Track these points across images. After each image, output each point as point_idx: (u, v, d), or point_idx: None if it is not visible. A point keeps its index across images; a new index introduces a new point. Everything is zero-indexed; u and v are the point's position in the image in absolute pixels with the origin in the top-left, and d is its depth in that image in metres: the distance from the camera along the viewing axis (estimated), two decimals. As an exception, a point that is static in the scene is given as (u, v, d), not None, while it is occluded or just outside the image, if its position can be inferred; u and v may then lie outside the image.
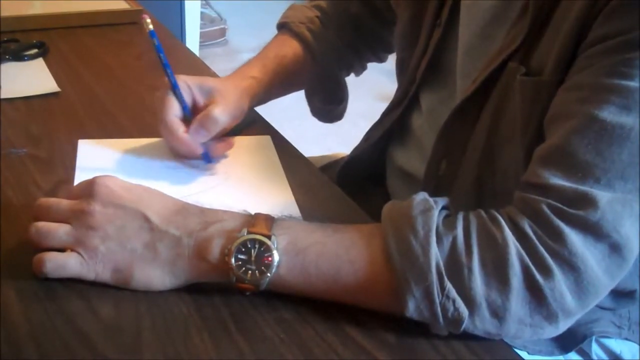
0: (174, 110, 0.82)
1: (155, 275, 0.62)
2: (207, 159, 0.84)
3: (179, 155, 0.85)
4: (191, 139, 0.82)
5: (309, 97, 1.11)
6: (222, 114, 0.83)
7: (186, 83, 0.84)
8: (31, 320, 0.58)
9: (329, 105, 1.10)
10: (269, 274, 0.60)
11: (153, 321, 0.59)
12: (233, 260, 0.60)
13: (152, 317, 0.60)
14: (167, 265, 0.62)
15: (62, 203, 0.64)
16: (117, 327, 0.58)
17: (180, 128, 0.82)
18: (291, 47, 1.02)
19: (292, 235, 0.62)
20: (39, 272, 0.62)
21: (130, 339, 0.57)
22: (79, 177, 0.78)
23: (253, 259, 0.60)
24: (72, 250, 0.62)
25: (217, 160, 0.85)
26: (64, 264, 0.61)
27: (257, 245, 0.61)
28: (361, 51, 1.08)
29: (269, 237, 0.61)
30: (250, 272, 0.61)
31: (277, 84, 0.98)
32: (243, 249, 0.61)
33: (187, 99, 0.84)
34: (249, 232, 0.61)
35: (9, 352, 0.55)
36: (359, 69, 1.12)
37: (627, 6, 0.60)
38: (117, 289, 0.62)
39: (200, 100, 0.85)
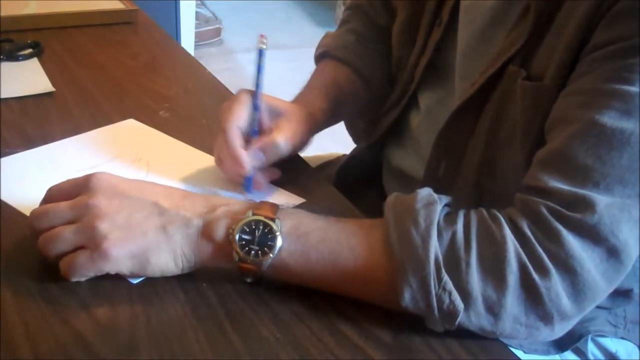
0: (239, 122, 0.77)
1: (170, 258, 0.62)
2: (248, 187, 0.78)
3: (223, 171, 0.79)
4: (245, 160, 0.75)
5: (355, 123, 1.05)
6: (286, 143, 0.78)
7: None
8: (27, 321, 0.58)
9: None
10: (271, 255, 0.61)
11: (148, 321, 0.59)
12: (237, 238, 0.61)
13: (148, 317, 0.60)
14: (179, 247, 0.62)
15: (59, 206, 0.62)
16: (113, 327, 0.58)
17: (238, 141, 0.76)
18: (343, 74, 0.97)
19: (296, 220, 0.63)
20: (68, 279, 0.61)
21: (126, 339, 0.57)
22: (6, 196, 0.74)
23: (256, 239, 0.61)
24: (83, 247, 0.61)
25: (254, 193, 0.78)
26: (76, 262, 0.60)
27: (261, 227, 0.62)
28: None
29: (273, 220, 0.62)
30: (253, 252, 0.61)
31: (337, 112, 0.93)
32: (247, 230, 0.62)
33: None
34: (254, 214, 0.62)
35: (5, 353, 0.55)
36: None
37: (630, 12, 0.60)
38: (113, 290, 0.62)
39: (266, 121, 0.81)
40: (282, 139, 0.78)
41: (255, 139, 0.78)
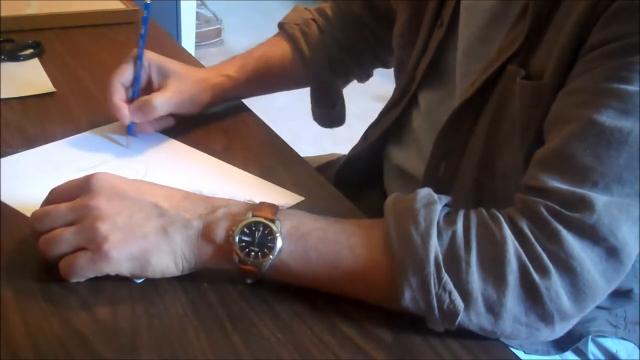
0: (121, 78, 0.85)
1: (170, 260, 0.62)
2: (130, 131, 0.86)
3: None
4: (123, 110, 0.83)
5: (311, 101, 1.11)
6: (163, 103, 0.85)
7: (147, 59, 0.86)
8: (27, 321, 0.58)
9: (322, 108, 1.11)
10: (271, 256, 0.61)
11: (150, 321, 0.59)
12: (237, 240, 0.61)
13: (149, 317, 0.60)
14: (179, 248, 0.62)
15: (60, 207, 0.62)
16: (114, 327, 0.58)
17: (117, 94, 0.84)
18: (281, 48, 1.03)
19: (296, 221, 0.63)
20: (67, 280, 0.62)
21: (127, 339, 0.57)
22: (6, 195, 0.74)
23: (257, 240, 0.61)
24: (83, 249, 0.60)
25: (137, 136, 0.87)
26: (76, 263, 0.60)
27: (261, 228, 0.62)
28: (362, 54, 1.08)
29: (272, 221, 0.62)
30: (253, 253, 0.61)
31: (257, 84, 1.00)
32: (247, 231, 0.62)
33: (143, 75, 0.86)
34: (253, 215, 0.62)
35: (6, 353, 0.55)
36: (362, 75, 1.11)
37: (628, 11, 0.60)
38: (114, 290, 0.62)
39: (156, 80, 0.88)
40: (159, 100, 0.84)
41: (136, 98, 0.86)
